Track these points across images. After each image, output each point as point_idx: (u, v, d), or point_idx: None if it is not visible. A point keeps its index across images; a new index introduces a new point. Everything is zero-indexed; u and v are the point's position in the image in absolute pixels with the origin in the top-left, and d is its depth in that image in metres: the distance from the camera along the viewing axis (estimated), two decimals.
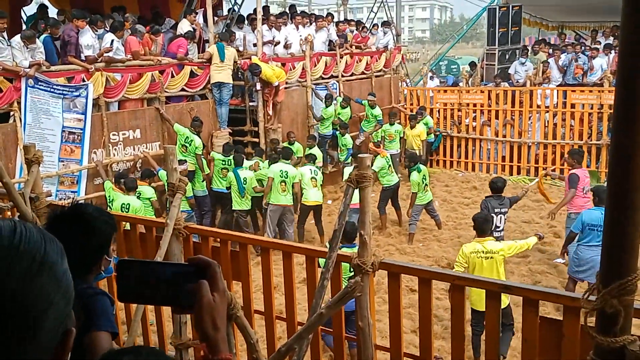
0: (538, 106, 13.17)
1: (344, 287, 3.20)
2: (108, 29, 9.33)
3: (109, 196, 8.17)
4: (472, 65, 17.43)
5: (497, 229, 7.25)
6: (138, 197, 7.95)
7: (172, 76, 9.93)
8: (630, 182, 1.41)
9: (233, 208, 9.29)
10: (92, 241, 2.08)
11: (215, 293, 1.17)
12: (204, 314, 1.15)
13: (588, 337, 1.65)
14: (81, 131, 8.74)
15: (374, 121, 12.69)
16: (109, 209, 7.73)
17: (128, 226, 4.80)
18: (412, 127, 12.51)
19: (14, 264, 0.75)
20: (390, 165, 10.11)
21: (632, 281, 1.51)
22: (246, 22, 12.03)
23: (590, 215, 6.63)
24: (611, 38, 15.46)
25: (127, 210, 7.65)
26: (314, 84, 12.28)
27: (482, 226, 5.77)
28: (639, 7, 1.30)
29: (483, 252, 5.59)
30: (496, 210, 7.35)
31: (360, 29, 14.24)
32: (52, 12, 11.04)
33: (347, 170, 9.04)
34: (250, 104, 11.29)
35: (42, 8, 10.83)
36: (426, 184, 9.58)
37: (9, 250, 0.75)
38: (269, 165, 9.29)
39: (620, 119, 1.38)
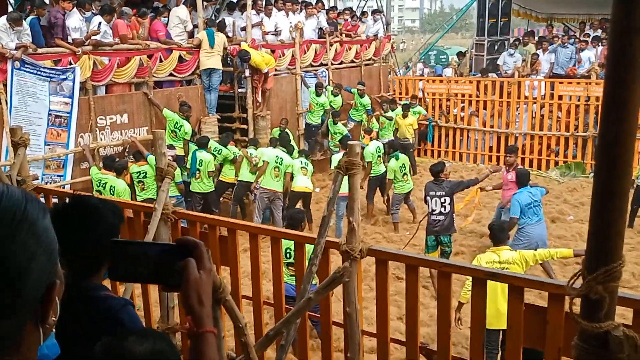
0: (526, 97, 13.26)
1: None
2: (96, 12, 9.22)
3: (99, 180, 8.11)
4: (460, 55, 17.46)
5: (434, 212, 7.44)
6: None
7: (161, 61, 9.85)
8: (616, 169, 1.43)
9: (191, 189, 9.29)
10: (99, 232, 1.96)
11: (202, 271, 1.23)
12: (191, 290, 1.21)
13: (572, 323, 1.68)
14: (68, 115, 8.65)
15: (363, 110, 12.70)
16: (98, 193, 7.69)
17: None
18: (404, 117, 12.55)
19: None
20: (380, 155, 10.13)
21: (617, 268, 1.53)
22: (236, 7, 11.93)
23: (521, 196, 7.03)
24: (599, 31, 15.57)
25: (112, 193, 7.83)
26: (304, 72, 12.25)
27: (498, 235, 5.59)
28: None
29: (499, 262, 5.32)
30: (431, 193, 7.47)
31: (351, 16, 14.18)
32: None
33: (336, 158, 9.05)
34: (239, 90, 11.24)
35: None
36: (405, 173, 9.56)
37: None
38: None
39: (607, 108, 1.40)
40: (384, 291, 3.36)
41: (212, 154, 9.34)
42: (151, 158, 8.68)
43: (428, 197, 7.51)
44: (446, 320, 3.14)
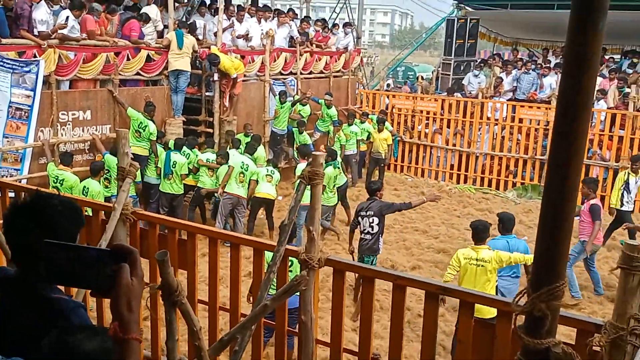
0: (488, 118, 13.58)
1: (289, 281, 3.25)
2: (64, 6, 9.07)
3: (56, 176, 7.98)
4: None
5: (363, 231, 7.18)
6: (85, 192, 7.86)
7: (128, 59, 9.74)
8: (563, 192, 1.51)
9: (161, 189, 9.31)
10: (57, 234, 1.82)
11: (134, 277, 1.23)
12: (121, 295, 1.22)
13: (518, 338, 1.75)
14: (29, 108, 8.47)
15: (329, 121, 12.80)
16: (55, 190, 7.55)
17: None
18: (379, 131, 12.70)
19: None
20: (340, 166, 10.20)
21: (559, 287, 1.61)
22: (208, 11, 11.90)
23: (496, 245, 6.04)
24: (561, 57, 16.10)
25: (86, 194, 7.78)
26: (272, 79, 12.28)
27: (480, 234, 5.78)
28: (580, 28, 1.40)
29: (475, 259, 5.60)
30: (362, 213, 7.22)
31: (322, 28, 14.31)
32: None
33: (300, 167, 9.09)
34: (207, 93, 11.20)
35: None
36: (335, 185, 9.56)
37: None
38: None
39: (557, 134, 1.49)
40: (339, 301, 3.41)
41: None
42: (108, 157, 8.58)
43: (359, 217, 7.22)
44: (399, 332, 3.20)
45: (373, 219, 7.13)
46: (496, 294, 5.70)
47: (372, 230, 7.15)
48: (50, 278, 1.32)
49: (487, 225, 5.97)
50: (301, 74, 13.12)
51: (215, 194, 9.32)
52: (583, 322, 2.73)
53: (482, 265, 5.60)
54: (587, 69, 1.42)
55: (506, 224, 6.35)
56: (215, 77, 10.74)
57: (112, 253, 1.26)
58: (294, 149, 12.04)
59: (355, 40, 15.22)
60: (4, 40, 8.13)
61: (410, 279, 3.21)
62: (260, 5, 13.27)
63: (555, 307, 1.68)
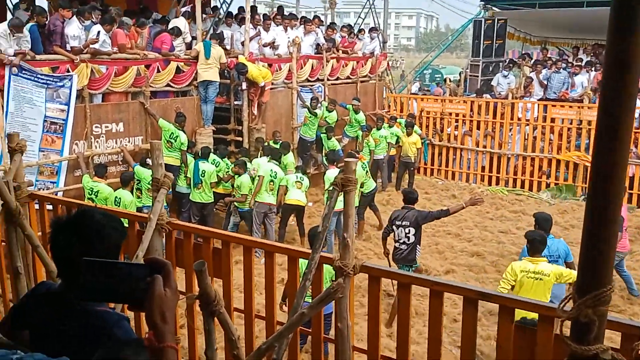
0: (519, 119, 13.39)
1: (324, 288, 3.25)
2: (95, 21, 9.27)
3: (91, 188, 8.14)
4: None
5: (398, 241, 7.01)
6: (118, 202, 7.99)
7: (158, 71, 9.90)
8: (607, 197, 1.48)
9: (191, 199, 9.39)
10: (100, 249, 1.92)
11: (168, 289, 1.25)
12: (155, 306, 1.24)
13: (562, 345, 1.71)
14: (63, 122, 8.66)
15: (357, 126, 12.79)
16: (90, 201, 7.70)
17: None
18: (408, 135, 12.64)
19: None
20: (368, 171, 10.19)
21: (606, 292, 1.57)
22: (235, 21, 12.01)
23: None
24: (592, 55, 15.79)
25: (118, 204, 7.89)
26: (299, 86, 12.33)
27: (537, 245, 5.47)
28: (623, 28, 1.37)
29: (533, 272, 5.34)
30: (397, 222, 7.01)
31: (348, 33, 14.32)
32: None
33: (330, 175, 9.08)
34: (235, 102, 11.29)
35: None
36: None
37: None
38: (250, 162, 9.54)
39: (600, 138, 1.46)
40: (375, 308, 3.38)
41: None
42: (138, 169, 8.70)
43: (394, 226, 7.04)
44: (437, 339, 3.16)
45: (409, 229, 6.93)
46: None
47: (408, 240, 6.96)
48: (87, 295, 1.34)
49: (544, 236, 5.65)
50: (328, 79, 13.14)
51: (234, 203, 9.41)
52: (628, 325, 2.65)
53: (540, 279, 5.32)
54: (628, 72, 1.39)
55: (542, 224, 6.19)
56: (244, 86, 10.84)
57: (146, 266, 1.28)
58: (323, 155, 12.05)
59: (382, 44, 15.19)
60: (38, 57, 8.34)
61: (448, 284, 3.17)
62: (286, 13, 13.35)
63: (602, 312, 1.64)
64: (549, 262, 5.65)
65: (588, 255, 1.58)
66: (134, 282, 1.26)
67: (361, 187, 9.50)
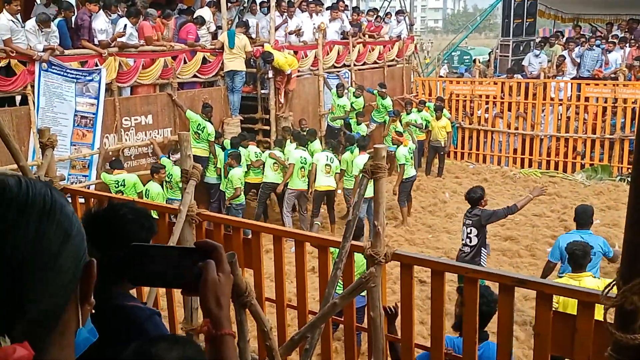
0: (551, 99, 13.08)
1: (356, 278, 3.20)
2: (122, 14, 9.32)
3: (116, 181, 8.11)
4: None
5: (462, 241, 6.69)
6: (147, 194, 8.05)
7: (185, 62, 9.92)
8: None
9: (222, 189, 9.37)
10: (128, 244, 1.96)
11: (221, 273, 1.21)
12: (208, 292, 1.19)
13: (602, 331, 1.64)
14: (93, 115, 8.76)
15: (384, 112, 12.65)
16: (120, 194, 7.76)
17: None
18: (437, 119, 12.49)
19: (29, 209, 0.82)
20: (412, 157, 10.12)
21: None
22: (260, 9, 11.96)
23: (566, 240, 5.43)
24: (626, 31, 15.30)
25: (147, 197, 7.97)
26: (326, 73, 12.24)
27: (580, 260, 4.87)
28: None
29: None
30: (466, 222, 6.65)
31: (374, 17, 14.13)
32: None
33: (360, 161, 9.00)
34: (262, 91, 11.27)
35: None
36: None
37: (20, 198, 0.82)
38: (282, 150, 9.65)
39: None
40: (409, 296, 3.33)
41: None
42: (164, 160, 8.75)
43: (464, 226, 6.69)
44: (472, 327, 3.10)
45: (471, 230, 6.51)
46: None
47: (471, 242, 6.53)
48: (138, 280, 1.32)
49: (587, 249, 4.98)
50: (355, 65, 13.01)
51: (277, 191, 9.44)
52: None
53: None
54: None
55: (580, 217, 5.77)
56: (270, 74, 10.80)
57: (196, 250, 1.25)
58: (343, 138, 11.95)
59: (408, 27, 14.97)
60: (66, 52, 8.43)
61: (483, 271, 3.10)
62: None
63: None
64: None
65: (632, 240, 1.50)
66: (186, 266, 1.23)
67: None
